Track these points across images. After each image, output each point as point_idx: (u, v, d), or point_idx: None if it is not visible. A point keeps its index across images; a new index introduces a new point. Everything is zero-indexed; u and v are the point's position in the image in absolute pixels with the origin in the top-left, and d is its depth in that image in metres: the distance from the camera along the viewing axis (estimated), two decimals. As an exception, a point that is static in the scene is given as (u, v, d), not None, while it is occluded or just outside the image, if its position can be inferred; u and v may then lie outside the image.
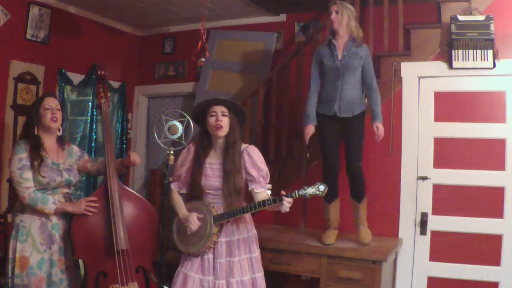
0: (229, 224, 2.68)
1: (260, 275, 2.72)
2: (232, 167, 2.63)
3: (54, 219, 2.77)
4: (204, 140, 2.74)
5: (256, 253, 2.75)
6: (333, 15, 3.31)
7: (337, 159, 3.45)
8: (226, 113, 2.67)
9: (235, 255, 2.65)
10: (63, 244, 2.79)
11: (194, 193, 2.73)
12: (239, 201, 2.63)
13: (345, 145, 3.45)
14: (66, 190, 2.87)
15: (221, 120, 2.63)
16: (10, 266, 2.68)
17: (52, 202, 2.70)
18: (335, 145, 3.45)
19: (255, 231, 2.80)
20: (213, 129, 2.66)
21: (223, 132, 2.65)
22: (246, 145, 2.75)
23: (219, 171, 2.67)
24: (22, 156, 2.69)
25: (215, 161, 2.71)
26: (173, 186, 2.80)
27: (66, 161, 2.90)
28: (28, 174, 2.68)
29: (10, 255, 2.69)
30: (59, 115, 2.84)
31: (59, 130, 2.91)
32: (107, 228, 2.82)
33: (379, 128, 3.38)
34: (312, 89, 3.49)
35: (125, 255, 2.80)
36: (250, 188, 2.71)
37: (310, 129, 3.47)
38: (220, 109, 2.66)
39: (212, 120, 2.65)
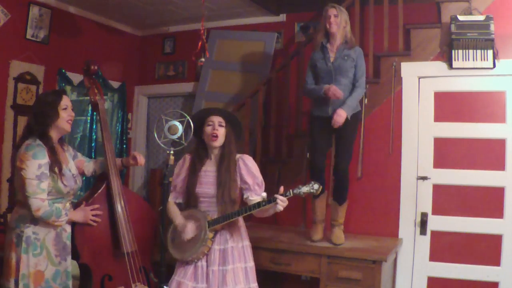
0: (223, 232, 2.68)
1: (254, 286, 2.71)
2: (226, 177, 2.65)
3: (68, 229, 2.61)
4: (200, 149, 2.77)
5: (251, 263, 2.74)
6: (333, 19, 3.35)
7: (324, 158, 3.47)
8: (223, 124, 2.70)
9: (229, 263, 2.65)
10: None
11: (191, 202, 2.74)
12: (233, 210, 2.63)
13: (335, 146, 3.47)
14: (73, 197, 2.72)
15: (217, 130, 2.66)
16: (22, 283, 2.40)
17: (64, 213, 2.51)
18: (324, 145, 3.48)
19: (249, 242, 2.79)
20: (208, 139, 2.69)
21: (218, 142, 2.68)
22: (240, 154, 2.78)
23: (213, 179, 2.69)
24: (42, 162, 2.40)
25: (210, 168, 2.73)
26: (170, 196, 2.78)
27: (72, 165, 2.70)
28: (45, 185, 2.41)
29: (23, 271, 2.40)
30: (73, 116, 2.63)
31: None
32: (111, 231, 2.78)
33: (339, 114, 3.22)
34: (308, 83, 3.50)
35: (133, 257, 2.78)
36: (245, 197, 2.71)
37: (328, 87, 3.28)
38: (217, 119, 2.69)
39: (208, 129, 2.68)
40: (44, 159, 2.42)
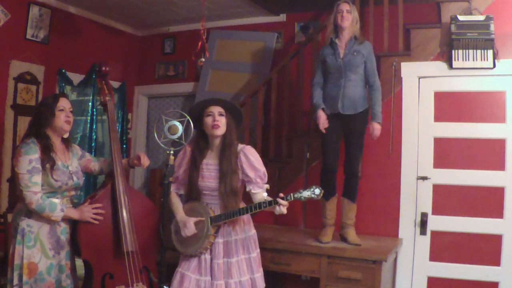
0: (226, 225, 2.68)
1: (259, 276, 2.72)
2: (228, 168, 2.63)
3: (63, 224, 2.67)
4: (200, 141, 2.74)
5: (254, 253, 2.74)
6: (345, 14, 3.36)
7: (336, 157, 3.46)
8: (223, 113, 2.67)
9: (233, 256, 2.66)
10: (69, 248, 2.71)
11: (193, 194, 2.73)
12: (235, 202, 2.63)
13: (345, 142, 3.46)
14: (72, 193, 2.76)
15: (218, 120, 2.64)
16: (16, 273, 2.52)
17: (60, 209, 2.57)
18: (335, 143, 3.46)
19: (254, 231, 2.79)
20: (209, 129, 2.65)
21: (220, 131, 2.65)
22: (242, 145, 2.74)
23: (215, 172, 2.67)
24: (33, 157, 2.52)
25: (211, 161, 2.71)
26: (172, 187, 2.79)
27: (73, 163, 2.78)
28: (38, 178, 2.52)
29: (17, 262, 2.52)
30: (71, 117, 2.71)
31: None
32: (115, 229, 2.78)
33: (375, 128, 3.38)
34: (315, 83, 3.51)
35: (134, 256, 2.78)
36: (247, 189, 2.70)
37: (321, 114, 3.41)
38: (217, 109, 2.66)
39: (209, 120, 2.65)
40: (35, 155, 2.53)
